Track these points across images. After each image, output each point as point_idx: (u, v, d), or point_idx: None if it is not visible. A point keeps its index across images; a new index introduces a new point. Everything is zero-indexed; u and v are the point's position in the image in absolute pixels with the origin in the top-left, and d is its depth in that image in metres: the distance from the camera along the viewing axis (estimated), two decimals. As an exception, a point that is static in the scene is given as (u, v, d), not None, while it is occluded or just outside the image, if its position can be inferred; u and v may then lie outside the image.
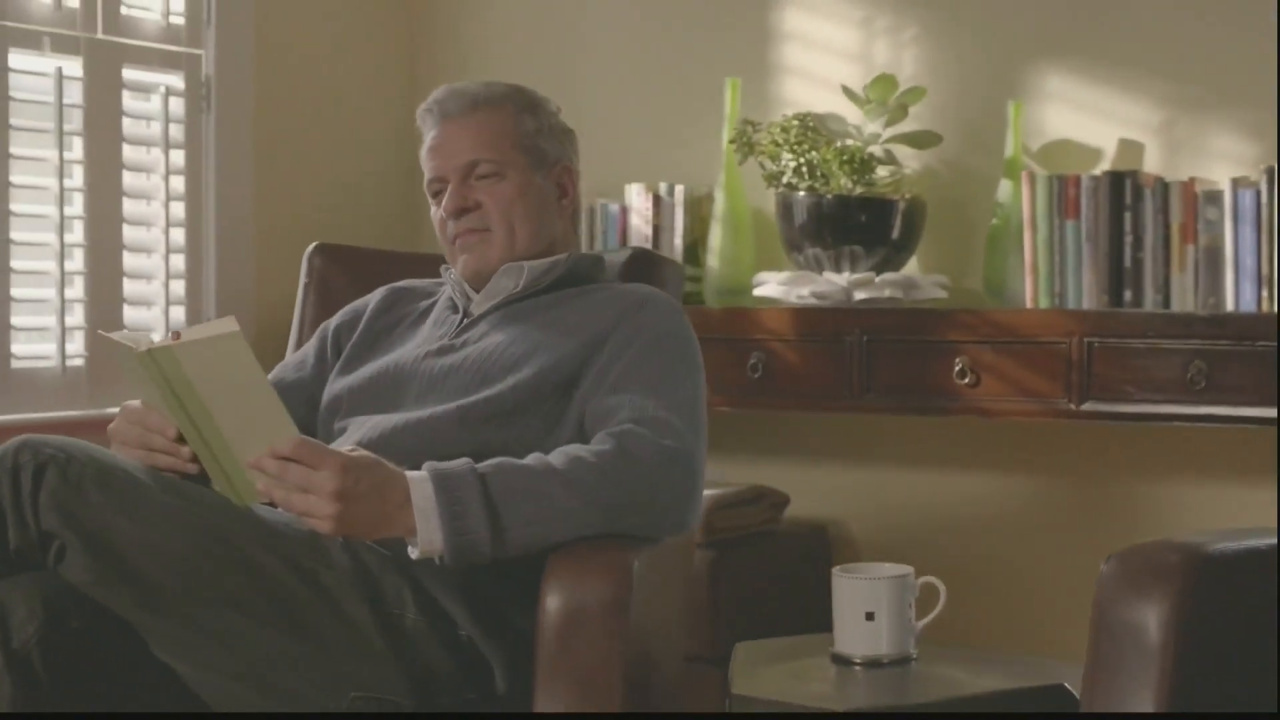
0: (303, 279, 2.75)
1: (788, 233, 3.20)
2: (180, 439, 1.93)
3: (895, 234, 3.15)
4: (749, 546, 3.19)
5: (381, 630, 1.89)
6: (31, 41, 3.00)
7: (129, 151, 3.17)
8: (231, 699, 1.85)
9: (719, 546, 3.11)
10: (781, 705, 2.30)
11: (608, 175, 3.40)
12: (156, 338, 1.89)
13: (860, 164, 3.12)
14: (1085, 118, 3.16)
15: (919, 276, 3.15)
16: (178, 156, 3.24)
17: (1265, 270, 2.83)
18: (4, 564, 1.83)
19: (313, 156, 3.57)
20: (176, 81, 3.25)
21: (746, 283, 3.28)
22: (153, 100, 3.23)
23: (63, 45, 3.05)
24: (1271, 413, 2.73)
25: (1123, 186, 2.96)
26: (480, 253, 2.22)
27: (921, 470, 3.34)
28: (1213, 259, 2.89)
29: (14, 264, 2.97)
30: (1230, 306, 2.86)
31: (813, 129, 3.15)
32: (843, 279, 3.12)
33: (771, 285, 3.19)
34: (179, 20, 3.25)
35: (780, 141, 3.16)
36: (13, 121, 2.96)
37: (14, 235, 2.97)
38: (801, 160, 3.14)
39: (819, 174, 3.13)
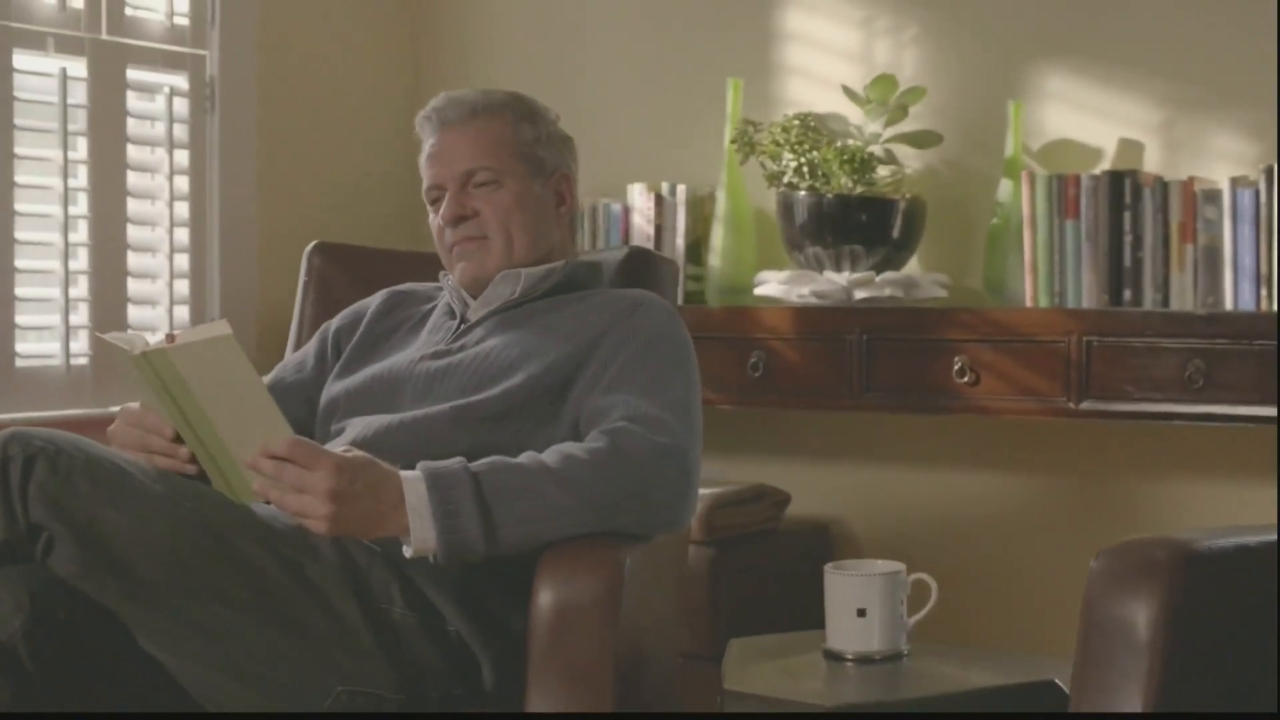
0: (302, 278, 2.76)
1: (789, 232, 3.21)
2: (178, 439, 1.95)
3: (895, 233, 3.15)
4: (750, 545, 3.20)
5: (368, 625, 1.89)
6: (36, 42, 3.01)
7: (133, 152, 3.18)
8: (218, 692, 1.86)
9: (720, 545, 3.12)
10: (773, 701, 2.31)
11: (610, 175, 3.41)
12: (152, 339, 1.90)
13: (861, 164, 3.13)
14: (1085, 117, 3.17)
15: (919, 276, 3.16)
16: (182, 157, 3.26)
17: (1264, 269, 2.83)
18: (-8, 556, 1.83)
19: (316, 157, 3.58)
20: (180, 82, 3.26)
21: (748, 282, 3.28)
22: (157, 101, 3.24)
23: (67, 46, 3.06)
24: (1271, 411, 2.72)
25: (1122, 186, 2.96)
26: (478, 260, 2.23)
27: (922, 469, 3.35)
28: (1212, 258, 2.89)
29: (19, 263, 2.99)
30: (1229, 306, 2.86)
31: (813, 129, 3.16)
32: (843, 278, 3.12)
33: (772, 284, 3.20)
34: (183, 21, 3.27)
35: (781, 141, 3.16)
36: (17, 122, 2.98)
37: (19, 235, 2.98)
38: (802, 160, 3.14)
39: (820, 174, 3.14)
